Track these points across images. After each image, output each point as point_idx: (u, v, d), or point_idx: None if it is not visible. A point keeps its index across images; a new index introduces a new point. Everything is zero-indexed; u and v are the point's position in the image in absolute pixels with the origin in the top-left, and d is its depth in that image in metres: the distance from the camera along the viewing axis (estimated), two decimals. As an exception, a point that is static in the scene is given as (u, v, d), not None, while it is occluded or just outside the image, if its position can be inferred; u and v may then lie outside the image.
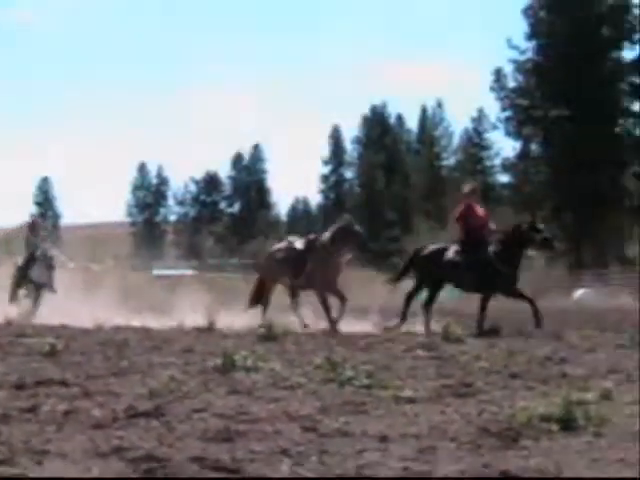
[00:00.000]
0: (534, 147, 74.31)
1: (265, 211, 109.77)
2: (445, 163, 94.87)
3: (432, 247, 16.56)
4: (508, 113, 73.69)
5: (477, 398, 6.97)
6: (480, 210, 16.31)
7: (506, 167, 78.42)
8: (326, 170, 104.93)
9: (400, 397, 6.90)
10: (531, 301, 15.43)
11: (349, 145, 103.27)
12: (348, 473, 4.50)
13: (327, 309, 16.13)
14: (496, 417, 6.01)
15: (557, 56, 68.80)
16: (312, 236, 17.16)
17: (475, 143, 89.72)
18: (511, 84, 73.52)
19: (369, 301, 17.82)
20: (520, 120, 72.31)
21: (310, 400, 6.79)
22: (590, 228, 62.77)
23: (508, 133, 75.24)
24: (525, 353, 10.60)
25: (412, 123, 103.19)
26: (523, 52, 71.83)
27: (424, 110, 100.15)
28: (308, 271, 16.39)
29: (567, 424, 5.61)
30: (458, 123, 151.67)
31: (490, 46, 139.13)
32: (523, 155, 73.93)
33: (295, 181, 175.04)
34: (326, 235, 16.70)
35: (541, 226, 16.49)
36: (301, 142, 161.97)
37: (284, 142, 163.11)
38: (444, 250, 16.07)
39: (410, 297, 16.21)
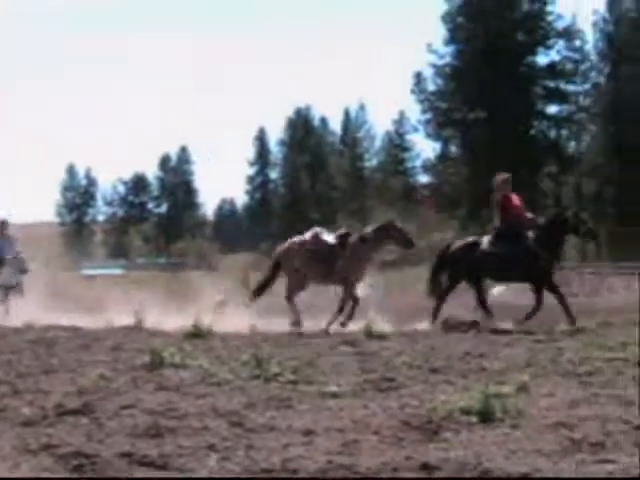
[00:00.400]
0: (453, 148, 75.36)
1: (192, 211, 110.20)
2: (368, 164, 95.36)
3: (461, 242, 16.35)
4: (428, 115, 74.54)
5: (399, 392, 7.06)
6: (516, 199, 16.05)
7: (426, 168, 79.36)
8: (252, 171, 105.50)
9: (325, 392, 6.98)
10: (562, 297, 15.25)
11: (274, 147, 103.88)
12: (274, 467, 4.57)
13: (344, 307, 15.91)
14: (417, 411, 6.09)
15: (474, 61, 69.79)
16: (343, 231, 16.95)
17: (397, 145, 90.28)
18: (431, 87, 74.45)
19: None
20: (440, 122, 73.19)
21: (237, 396, 6.84)
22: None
23: (428, 135, 76.13)
24: (446, 348, 10.76)
25: (336, 125, 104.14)
26: (442, 56, 72.87)
27: (347, 113, 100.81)
28: (342, 267, 16.04)
29: (486, 416, 5.72)
30: (380, 125, 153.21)
31: (411, 51, 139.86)
32: (442, 156, 74.88)
33: (222, 182, 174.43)
34: (368, 231, 16.49)
35: (585, 216, 16.38)
36: (228, 144, 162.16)
37: (211, 144, 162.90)
38: (476, 244, 15.83)
39: (443, 296, 15.87)
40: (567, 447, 4.96)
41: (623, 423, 5.59)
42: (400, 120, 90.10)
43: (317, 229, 16.99)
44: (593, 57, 72.84)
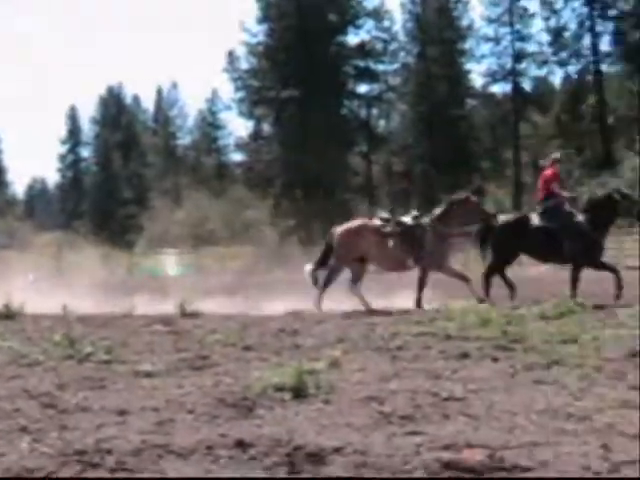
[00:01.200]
0: (266, 127, 75.81)
1: (1, 190, 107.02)
2: (180, 142, 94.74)
3: (509, 218, 16.03)
4: (241, 94, 74.81)
5: (213, 370, 7.08)
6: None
7: (239, 146, 79.67)
8: (63, 150, 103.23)
9: (138, 371, 6.95)
10: (615, 271, 15.15)
11: (86, 125, 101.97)
12: (87, 448, 4.52)
13: (422, 287, 15.34)
14: (232, 388, 6.12)
15: (286, 39, 70.33)
16: (416, 212, 16.18)
17: (210, 123, 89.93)
18: (244, 66, 74.69)
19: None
20: (253, 101, 73.59)
21: (49, 377, 6.74)
22: (319, 205, 64.51)
23: (241, 113, 76.54)
24: (259, 325, 10.84)
25: (148, 104, 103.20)
26: (255, 35, 73.10)
27: (160, 91, 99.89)
28: (429, 249, 15.43)
29: (299, 392, 5.79)
30: (193, 104, 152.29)
31: (224, 29, 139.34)
32: (256, 135, 75.27)
33: (34, 161, 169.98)
34: (439, 209, 15.95)
35: (636, 197, 16.19)
36: (39, 122, 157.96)
37: (22, 122, 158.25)
38: (526, 220, 15.57)
39: (489, 275, 15.53)
40: (378, 420, 5.07)
41: (431, 395, 5.75)
42: (213, 99, 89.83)
43: (381, 214, 16.29)
44: (402, 37, 74.39)
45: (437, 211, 15.89)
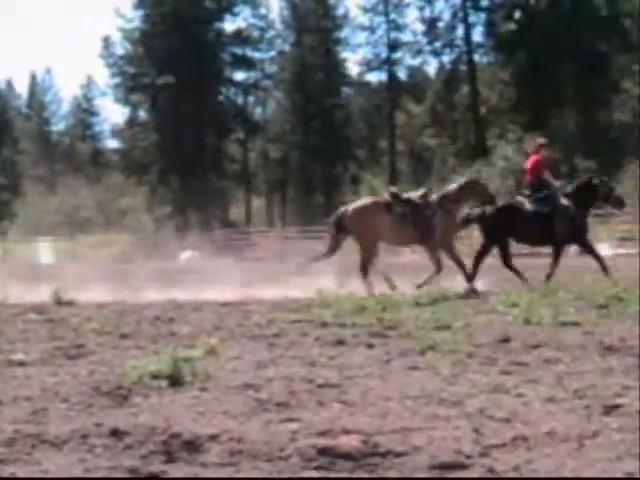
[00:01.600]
0: (142, 114, 75.20)
1: None
2: (55, 128, 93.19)
3: (500, 205, 15.89)
4: (117, 80, 74.02)
5: (89, 359, 7.01)
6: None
7: (115, 133, 78.89)
8: None
9: (12, 360, 6.84)
10: (598, 257, 15.55)
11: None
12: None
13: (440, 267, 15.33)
14: (107, 377, 6.07)
15: (162, 26, 69.84)
16: (424, 190, 16.01)
17: (84, 109, 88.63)
18: (120, 52, 73.84)
19: None
20: (128, 87, 72.96)
21: None
22: (196, 191, 64.32)
23: (117, 99, 75.76)
24: (135, 313, 10.77)
25: (22, 89, 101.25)
26: (131, 21, 72.39)
27: (34, 77, 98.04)
28: (441, 228, 15.29)
29: (175, 380, 5.78)
30: (68, 89, 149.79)
31: (99, 14, 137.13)
32: (131, 121, 74.61)
33: None
34: (452, 187, 15.89)
35: (613, 184, 16.90)
36: None
37: None
38: (515, 205, 15.67)
39: (480, 259, 15.51)
40: (254, 407, 5.09)
41: (307, 382, 5.80)
42: (88, 84, 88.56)
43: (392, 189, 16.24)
44: (278, 25, 74.48)
45: (446, 190, 16.01)
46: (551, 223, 15.51)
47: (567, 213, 15.52)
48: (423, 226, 15.33)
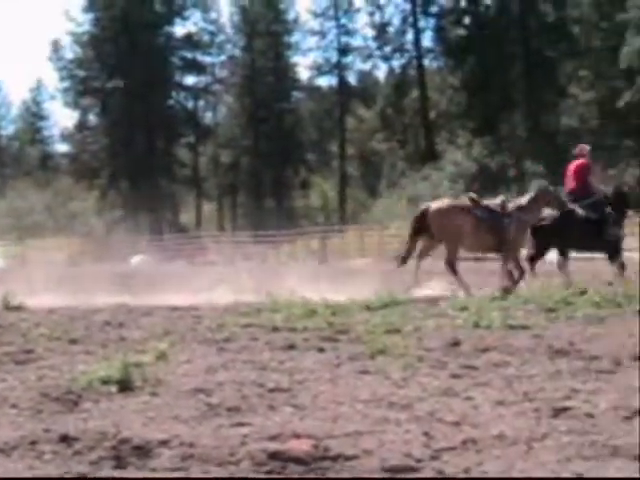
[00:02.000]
0: (92, 117, 74.89)
1: None
2: (4, 132, 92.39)
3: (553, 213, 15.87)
4: (66, 84, 73.64)
5: (38, 364, 6.93)
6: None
7: (64, 137, 78.50)
8: None
9: (-42, 367, 6.79)
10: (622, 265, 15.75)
11: None
12: None
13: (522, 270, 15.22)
14: (57, 382, 6.01)
15: (112, 29, 69.61)
16: (500, 199, 15.76)
17: (34, 113, 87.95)
18: (69, 55, 73.49)
19: None
20: (78, 91, 72.66)
21: None
22: (146, 196, 64.11)
23: (67, 103, 75.37)
24: (85, 318, 10.69)
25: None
26: (80, 24, 72.06)
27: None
28: (512, 237, 15.14)
29: (125, 385, 5.74)
30: (17, 94, 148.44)
31: (48, 18, 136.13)
32: (81, 125, 74.25)
33: None
34: (525, 198, 15.74)
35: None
36: None
37: None
38: (571, 213, 15.67)
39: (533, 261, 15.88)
40: (205, 412, 5.08)
41: (257, 386, 5.80)
42: (37, 88, 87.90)
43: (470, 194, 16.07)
44: (229, 29, 74.44)
45: (521, 200, 15.89)
46: (600, 229, 15.81)
47: (613, 221, 15.94)
48: (500, 233, 15.25)
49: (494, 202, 15.61)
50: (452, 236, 15.07)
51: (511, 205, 15.58)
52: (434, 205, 15.49)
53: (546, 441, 4.31)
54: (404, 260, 15.47)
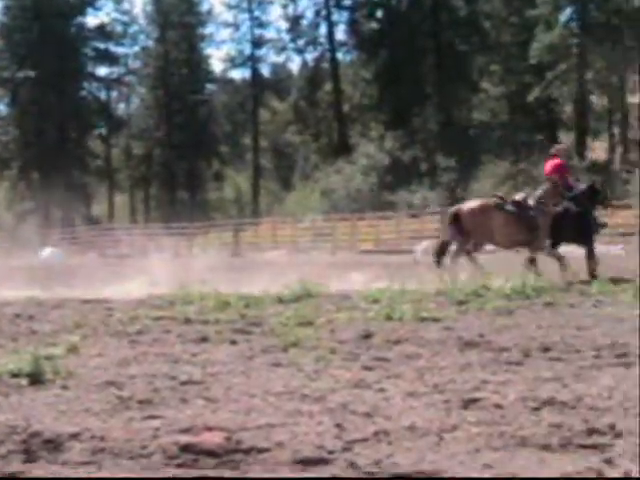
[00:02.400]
0: (2, 108, 73.79)
1: None
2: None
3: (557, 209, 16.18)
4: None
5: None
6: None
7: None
8: None
9: None
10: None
11: None
12: None
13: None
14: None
15: (22, 18, 68.49)
16: (522, 194, 16.35)
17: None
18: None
19: None
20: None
21: None
22: (57, 187, 63.30)
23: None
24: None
25: None
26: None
27: None
28: (541, 230, 15.64)
29: (36, 378, 5.69)
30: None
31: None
32: (-9, 115, 73.05)
33: None
34: (538, 193, 16.07)
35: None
36: None
37: None
38: (569, 209, 16.06)
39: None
40: (116, 405, 5.05)
41: (170, 379, 5.78)
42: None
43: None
44: (142, 20, 73.81)
45: (536, 193, 16.28)
46: (587, 224, 16.31)
47: (593, 215, 16.56)
48: (530, 227, 15.75)
49: (518, 197, 16.32)
50: (483, 236, 15.82)
51: (531, 199, 16.10)
52: (465, 207, 16.03)
53: (456, 432, 4.36)
54: (439, 262, 15.90)
